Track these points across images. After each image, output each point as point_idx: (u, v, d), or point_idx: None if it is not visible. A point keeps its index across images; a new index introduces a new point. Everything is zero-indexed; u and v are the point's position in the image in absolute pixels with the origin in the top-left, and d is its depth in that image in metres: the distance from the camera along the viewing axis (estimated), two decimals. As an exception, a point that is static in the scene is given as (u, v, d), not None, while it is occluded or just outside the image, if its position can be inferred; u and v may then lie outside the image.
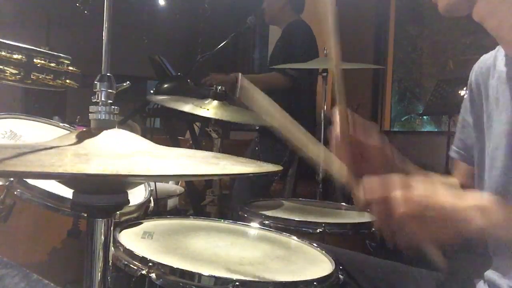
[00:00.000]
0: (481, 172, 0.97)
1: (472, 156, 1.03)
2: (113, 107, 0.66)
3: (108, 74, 0.66)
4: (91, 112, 0.65)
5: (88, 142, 0.60)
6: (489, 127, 0.93)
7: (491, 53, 0.98)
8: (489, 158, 0.93)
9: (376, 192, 0.73)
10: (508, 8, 0.82)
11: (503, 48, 0.90)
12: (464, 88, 2.75)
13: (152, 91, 2.35)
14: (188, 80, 2.41)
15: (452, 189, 0.75)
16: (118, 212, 1.06)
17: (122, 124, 2.20)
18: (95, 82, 0.65)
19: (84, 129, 0.64)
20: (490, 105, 0.94)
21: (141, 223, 1.12)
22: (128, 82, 0.72)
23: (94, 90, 0.65)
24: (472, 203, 0.72)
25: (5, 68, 0.93)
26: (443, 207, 0.72)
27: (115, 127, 0.65)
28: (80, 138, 0.60)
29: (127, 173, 0.49)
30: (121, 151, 0.59)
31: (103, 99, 0.65)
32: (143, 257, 0.85)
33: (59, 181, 0.63)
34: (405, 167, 0.97)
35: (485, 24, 0.86)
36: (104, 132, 0.63)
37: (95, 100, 0.65)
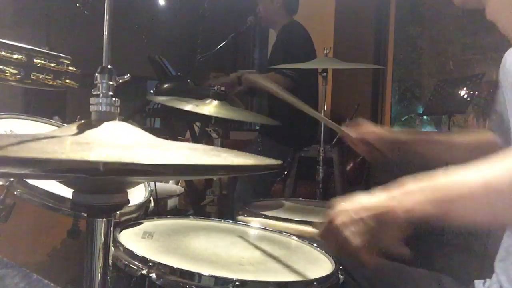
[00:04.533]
0: None
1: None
2: (114, 99, 0.65)
3: (108, 66, 0.65)
4: (92, 104, 0.65)
5: (89, 133, 0.60)
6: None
7: None
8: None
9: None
10: None
11: None
12: (464, 88, 2.76)
13: (152, 91, 2.35)
14: (188, 80, 2.41)
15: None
16: (118, 212, 1.06)
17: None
18: (96, 74, 0.65)
19: (84, 121, 0.64)
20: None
21: (141, 223, 1.12)
22: (128, 75, 0.72)
23: (94, 82, 0.65)
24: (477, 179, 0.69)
25: (5, 68, 0.93)
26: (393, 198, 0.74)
27: (116, 119, 0.65)
28: (81, 129, 0.60)
29: (130, 161, 0.48)
30: (122, 142, 0.59)
31: (103, 91, 0.64)
32: (143, 257, 0.85)
33: (59, 181, 0.63)
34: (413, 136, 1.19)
35: (497, 22, 0.87)
36: (105, 123, 0.63)
37: (96, 92, 0.65)
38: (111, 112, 0.65)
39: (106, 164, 0.44)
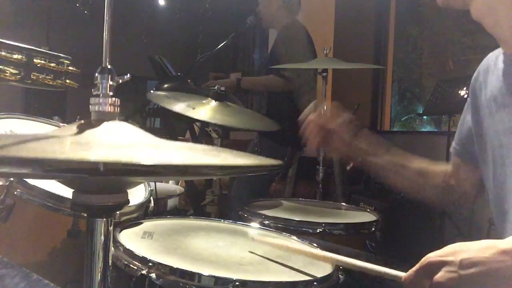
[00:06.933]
0: (486, 169, 0.97)
1: (466, 152, 1.06)
2: (114, 98, 0.65)
3: (108, 66, 0.65)
4: (92, 104, 0.64)
5: (89, 133, 0.59)
6: (491, 125, 0.93)
7: (495, 52, 0.99)
8: (492, 156, 0.93)
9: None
10: (507, 7, 0.83)
11: (501, 46, 0.91)
12: (464, 88, 2.76)
13: (152, 91, 2.35)
14: (188, 80, 2.41)
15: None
16: (118, 212, 1.06)
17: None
18: (96, 74, 0.64)
19: (84, 121, 0.64)
20: (489, 103, 0.94)
21: (141, 223, 1.12)
22: (128, 74, 0.72)
23: (94, 82, 0.65)
24: None
25: (5, 68, 0.93)
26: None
27: (115, 119, 0.65)
28: (81, 129, 0.60)
29: (129, 161, 0.48)
30: (122, 142, 0.59)
31: (103, 91, 0.64)
32: (143, 257, 0.85)
33: (59, 181, 0.63)
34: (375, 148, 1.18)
35: (483, 22, 0.87)
36: (105, 123, 0.62)
37: (96, 93, 0.64)
38: (111, 112, 0.65)
39: (106, 164, 0.44)
